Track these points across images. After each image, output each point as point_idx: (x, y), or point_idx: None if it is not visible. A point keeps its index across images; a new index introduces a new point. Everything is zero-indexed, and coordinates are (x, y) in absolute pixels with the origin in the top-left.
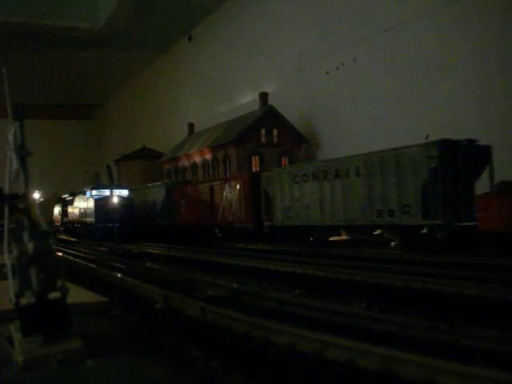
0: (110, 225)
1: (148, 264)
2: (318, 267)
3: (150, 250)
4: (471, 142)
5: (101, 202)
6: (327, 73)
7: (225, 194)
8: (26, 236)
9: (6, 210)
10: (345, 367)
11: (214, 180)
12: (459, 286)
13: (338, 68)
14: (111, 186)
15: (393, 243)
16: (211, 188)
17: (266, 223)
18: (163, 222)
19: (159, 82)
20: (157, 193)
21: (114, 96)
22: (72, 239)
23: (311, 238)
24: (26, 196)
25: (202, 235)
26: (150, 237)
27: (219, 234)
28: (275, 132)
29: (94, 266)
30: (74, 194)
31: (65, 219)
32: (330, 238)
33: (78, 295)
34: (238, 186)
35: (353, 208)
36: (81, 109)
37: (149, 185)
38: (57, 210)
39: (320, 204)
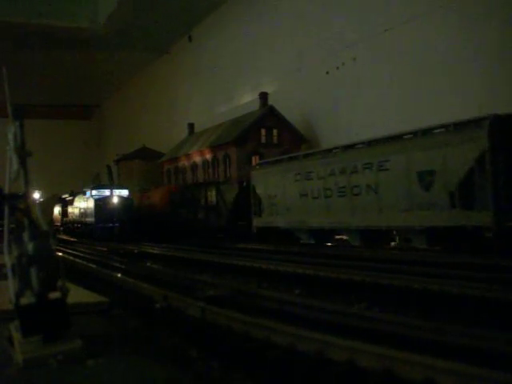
0: (110, 225)
1: (148, 264)
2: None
3: (150, 250)
4: None
5: (101, 202)
6: (327, 73)
7: None
8: (25, 236)
9: (6, 210)
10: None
11: None
12: None
13: (338, 68)
14: (111, 185)
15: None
16: None
17: None
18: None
19: (159, 82)
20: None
21: (113, 96)
22: (72, 239)
23: None
24: (26, 196)
25: None
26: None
27: None
28: (275, 132)
29: (93, 265)
30: (73, 194)
31: (65, 219)
32: None
33: (78, 295)
34: None
35: None
36: (80, 109)
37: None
38: (57, 209)
39: None
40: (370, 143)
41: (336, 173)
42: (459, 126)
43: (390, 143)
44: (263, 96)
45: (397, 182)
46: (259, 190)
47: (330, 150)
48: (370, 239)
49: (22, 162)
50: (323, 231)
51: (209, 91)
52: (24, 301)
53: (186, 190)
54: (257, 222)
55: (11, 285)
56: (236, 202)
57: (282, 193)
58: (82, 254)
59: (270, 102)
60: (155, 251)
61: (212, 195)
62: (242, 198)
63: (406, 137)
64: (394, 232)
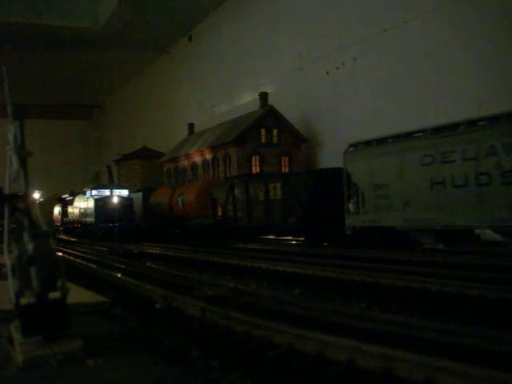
0: (110, 225)
1: (148, 264)
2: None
3: (150, 250)
4: None
5: (101, 202)
6: (327, 73)
7: None
8: (25, 236)
9: (6, 210)
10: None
11: None
12: None
13: (338, 68)
14: (111, 185)
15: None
16: None
17: None
18: None
19: (159, 81)
20: None
21: (114, 96)
22: (72, 239)
23: None
24: (26, 196)
25: None
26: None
27: None
28: (275, 132)
29: (93, 265)
30: (74, 194)
31: (65, 219)
32: None
33: (78, 295)
34: None
35: None
36: (81, 109)
37: None
38: (57, 210)
39: None
40: None
41: (498, 151)
42: None
43: None
44: (263, 96)
45: None
46: (358, 179)
47: (475, 122)
48: None
49: (22, 162)
50: (457, 232)
51: (209, 91)
52: (24, 301)
53: (236, 184)
54: (353, 221)
55: (11, 285)
56: (312, 196)
57: (397, 181)
58: (81, 254)
59: (270, 102)
60: (155, 251)
61: (276, 188)
62: (321, 190)
63: None
64: None
